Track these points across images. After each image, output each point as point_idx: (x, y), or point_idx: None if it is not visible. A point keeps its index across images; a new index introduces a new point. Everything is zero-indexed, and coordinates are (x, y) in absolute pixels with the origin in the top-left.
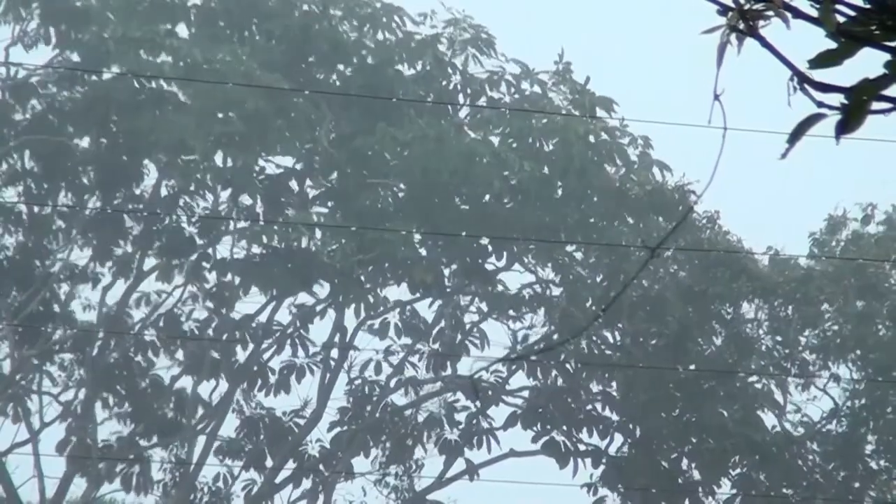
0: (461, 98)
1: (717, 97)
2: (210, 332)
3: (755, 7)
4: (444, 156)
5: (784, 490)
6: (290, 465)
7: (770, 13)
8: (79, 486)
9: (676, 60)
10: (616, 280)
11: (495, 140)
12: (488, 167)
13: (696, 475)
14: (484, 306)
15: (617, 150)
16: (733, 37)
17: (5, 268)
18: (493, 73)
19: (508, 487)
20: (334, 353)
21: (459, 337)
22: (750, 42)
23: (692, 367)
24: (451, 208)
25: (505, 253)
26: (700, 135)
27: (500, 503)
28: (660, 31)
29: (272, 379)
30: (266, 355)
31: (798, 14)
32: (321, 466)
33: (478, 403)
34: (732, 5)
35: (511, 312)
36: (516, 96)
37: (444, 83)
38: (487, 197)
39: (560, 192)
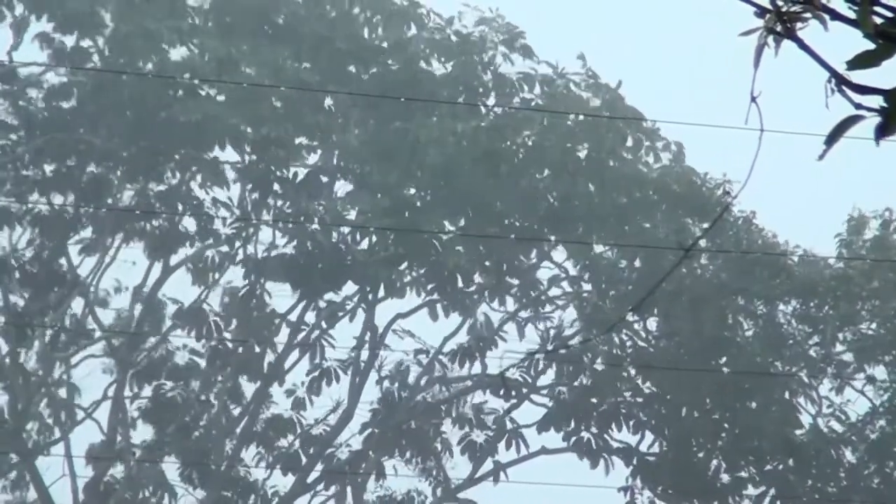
0: (493, 98)
1: (753, 99)
2: (239, 331)
3: (793, 9)
4: (473, 155)
5: (820, 491)
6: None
7: (808, 15)
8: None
9: (709, 62)
10: (649, 278)
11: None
12: (519, 166)
13: (730, 475)
14: (510, 303)
15: (651, 153)
16: (771, 39)
17: (32, 270)
18: (524, 74)
19: (539, 487)
20: (363, 353)
21: (487, 335)
22: (786, 43)
23: (720, 362)
24: (481, 205)
25: (535, 251)
26: (735, 136)
27: (531, 502)
28: (693, 32)
29: (300, 380)
30: (294, 355)
31: (836, 16)
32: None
33: (505, 404)
34: (770, 7)
35: (541, 310)
36: (542, 98)
37: (476, 83)
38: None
39: (594, 193)
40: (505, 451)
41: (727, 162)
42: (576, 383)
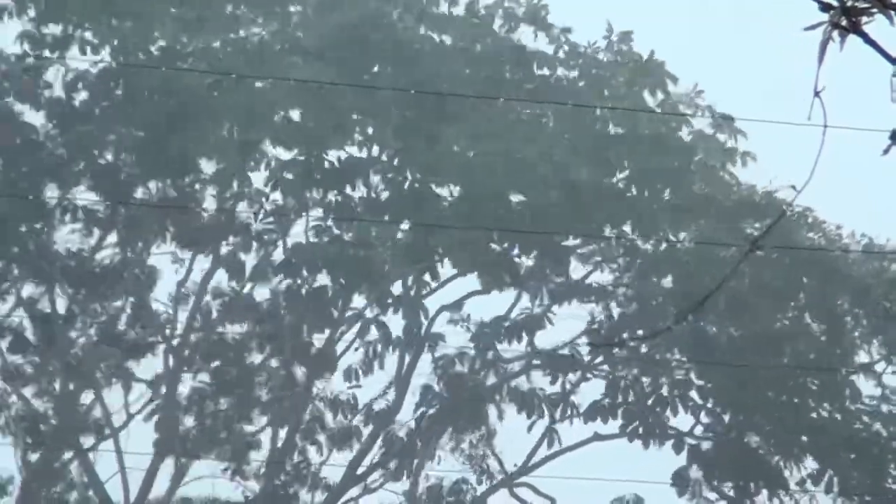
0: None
1: (817, 94)
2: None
3: (858, 4)
4: (506, 155)
5: (883, 487)
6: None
7: (874, 10)
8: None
9: (769, 57)
10: (707, 275)
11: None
12: (557, 166)
13: (790, 468)
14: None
15: (706, 146)
16: (836, 33)
17: (80, 268)
18: (556, 55)
19: (592, 472)
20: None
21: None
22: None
23: (781, 356)
24: (516, 205)
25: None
26: (794, 132)
27: (584, 487)
28: (750, 27)
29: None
30: (344, 341)
31: None
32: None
33: (559, 385)
34: (835, 3)
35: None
36: (576, 77)
37: (506, 69)
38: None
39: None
40: (561, 423)
41: (787, 158)
42: (631, 370)
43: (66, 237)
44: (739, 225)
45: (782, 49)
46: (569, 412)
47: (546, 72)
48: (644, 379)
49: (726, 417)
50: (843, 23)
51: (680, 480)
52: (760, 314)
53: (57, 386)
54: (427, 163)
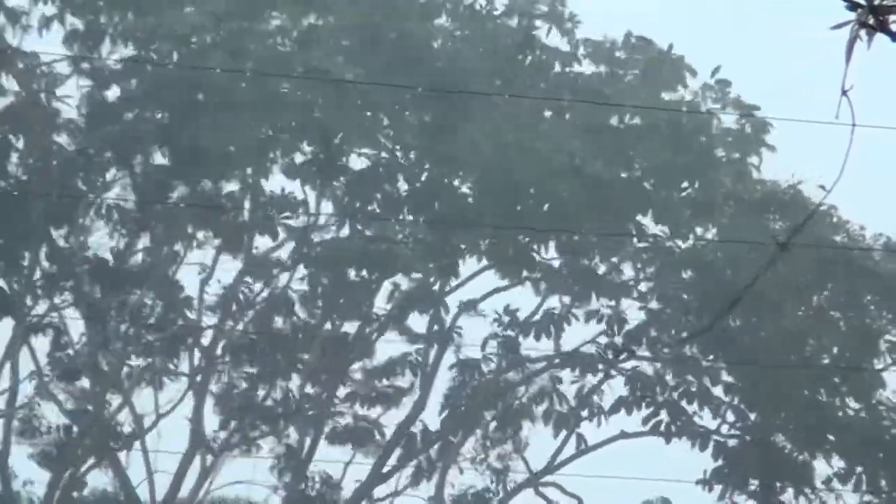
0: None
1: (844, 93)
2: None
3: (886, 2)
4: (524, 152)
5: None
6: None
7: None
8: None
9: (795, 55)
10: (730, 271)
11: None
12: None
13: (816, 467)
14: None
15: (736, 141)
16: (863, 32)
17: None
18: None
19: (618, 470)
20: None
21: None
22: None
23: (805, 356)
24: (533, 204)
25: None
26: (820, 131)
27: (611, 486)
28: (775, 26)
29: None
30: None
31: None
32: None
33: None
34: (863, 2)
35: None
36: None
37: (526, 59)
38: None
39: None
40: (588, 422)
41: (814, 157)
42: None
43: (98, 237)
44: (764, 221)
45: (779, 48)
46: (594, 411)
47: (561, 68)
48: (668, 377)
49: (752, 416)
50: (871, 21)
51: (715, 479)
52: (786, 312)
53: (91, 385)
54: (445, 158)
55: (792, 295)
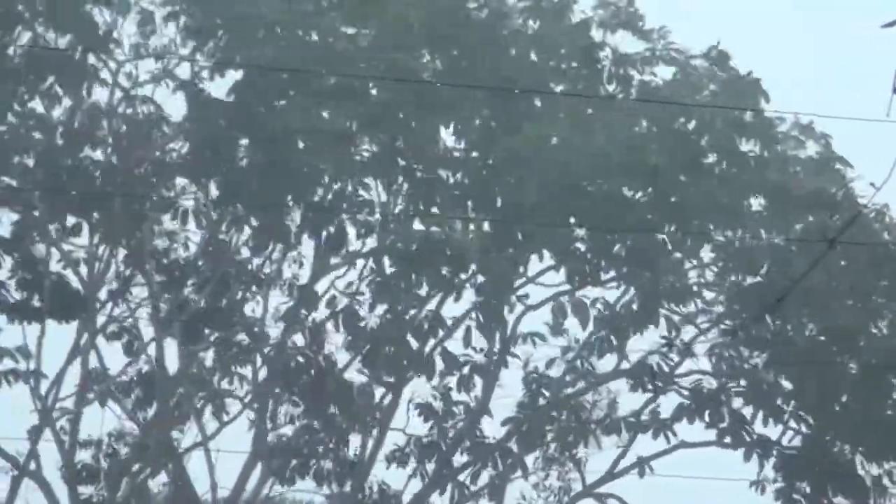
0: (612, 86)
1: (895, 90)
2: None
3: None
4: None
5: None
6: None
7: None
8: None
9: (843, 53)
10: (777, 269)
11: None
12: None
13: (875, 471)
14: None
15: (785, 143)
16: None
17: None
18: (643, 55)
19: (679, 482)
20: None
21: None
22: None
23: (858, 356)
24: (592, 203)
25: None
26: (869, 129)
27: (672, 499)
28: (818, 24)
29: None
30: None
31: None
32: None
33: (650, 387)
34: None
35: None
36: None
37: (599, 64)
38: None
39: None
40: (652, 440)
41: (861, 155)
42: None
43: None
44: (813, 217)
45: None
46: (656, 422)
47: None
48: (724, 380)
49: (809, 420)
50: None
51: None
52: (839, 311)
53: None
54: (510, 154)
55: (843, 294)
